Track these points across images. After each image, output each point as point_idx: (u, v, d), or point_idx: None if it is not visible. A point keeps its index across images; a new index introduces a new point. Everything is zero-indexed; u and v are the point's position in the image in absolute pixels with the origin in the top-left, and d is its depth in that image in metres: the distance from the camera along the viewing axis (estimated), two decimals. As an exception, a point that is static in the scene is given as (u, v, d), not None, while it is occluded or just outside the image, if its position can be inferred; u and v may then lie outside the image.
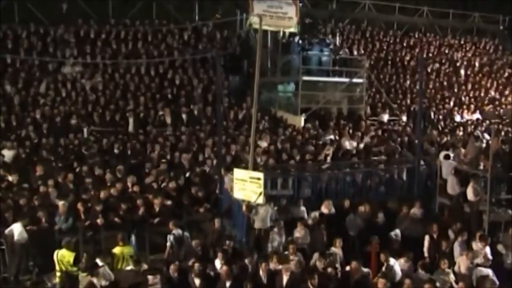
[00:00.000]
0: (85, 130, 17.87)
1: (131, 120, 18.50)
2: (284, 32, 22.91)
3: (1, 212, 11.92)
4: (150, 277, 9.78)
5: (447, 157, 14.89)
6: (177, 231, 11.65)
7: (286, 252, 11.01)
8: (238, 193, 11.23)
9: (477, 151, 14.98)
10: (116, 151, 15.88)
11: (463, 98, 25.41)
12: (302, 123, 20.38)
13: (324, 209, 13.06)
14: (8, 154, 15.31)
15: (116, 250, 10.96)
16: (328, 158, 15.49)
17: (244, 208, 11.55)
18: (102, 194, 12.81)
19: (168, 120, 19.02)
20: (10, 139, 16.23)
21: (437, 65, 26.74)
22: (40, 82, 19.62)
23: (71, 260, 10.65)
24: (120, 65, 20.90)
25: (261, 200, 10.88)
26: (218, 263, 10.55)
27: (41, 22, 22.23)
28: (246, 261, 10.59)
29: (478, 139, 16.32)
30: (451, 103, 24.66)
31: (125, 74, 20.72)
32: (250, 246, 11.60)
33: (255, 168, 13.41)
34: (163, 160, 14.78)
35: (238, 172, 11.25)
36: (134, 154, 16.06)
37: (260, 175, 10.78)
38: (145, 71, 21.10)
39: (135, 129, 18.36)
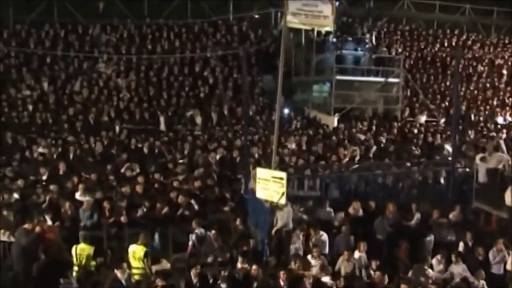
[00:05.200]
0: (117, 127, 18.02)
1: (162, 119, 18.55)
2: (319, 31, 22.55)
3: (28, 208, 12.05)
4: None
5: (483, 159, 14.14)
6: (200, 230, 11.51)
7: (309, 256, 10.68)
8: (261, 193, 10.95)
9: (493, 149, 14.23)
10: (145, 150, 15.85)
11: (506, 100, 24.30)
12: (335, 123, 19.97)
13: (351, 211, 12.64)
14: (43, 152, 15.58)
15: (130, 248, 10.84)
16: (356, 159, 15.05)
17: (267, 207, 11.25)
18: (126, 191, 12.80)
19: (198, 119, 18.97)
20: (48, 137, 16.50)
21: (479, 65, 25.70)
22: (75, 80, 19.93)
23: (91, 252, 10.63)
24: (154, 62, 21.01)
25: (283, 200, 10.56)
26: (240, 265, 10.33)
27: (79, 21, 22.61)
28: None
29: (493, 138, 15.58)
30: (494, 105, 23.67)
31: (158, 72, 20.81)
32: (272, 248, 11.30)
33: (283, 168, 13.19)
34: (181, 161, 14.65)
35: (261, 171, 10.97)
36: (162, 153, 16.05)
37: (283, 174, 10.45)
38: (178, 70, 21.14)
39: (166, 127, 18.40)
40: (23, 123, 17.34)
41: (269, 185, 10.60)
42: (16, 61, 20.01)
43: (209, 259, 10.70)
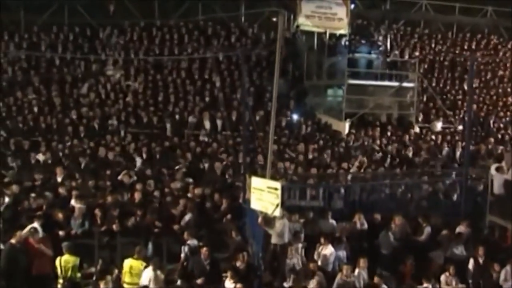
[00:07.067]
0: (122, 132, 17.64)
1: (168, 124, 18.09)
2: (331, 33, 21.95)
3: (19, 215, 11.68)
4: None
5: (500, 170, 13.24)
6: (192, 242, 10.95)
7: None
8: (255, 204, 10.31)
9: None
10: (144, 155, 15.41)
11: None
12: (347, 129, 19.24)
13: (355, 223, 11.95)
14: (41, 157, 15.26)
15: (126, 262, 10.30)
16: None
17: (260, 220, 10.63)
18: (121, 199, 12.36)
19: (207, 124, 18.46)
20: (52, 141, 16.19)
21: (500, 69, 24.68)
22: (83, 83, 19.65)
23: (77, 263, 10.21)
24: (163, 65, 20.64)
25: (278, 212, 9.91)
26: (228, 283, 9.74)
27: (89, 23, 22.41)
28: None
29: None
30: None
31: (166, 75, 20.41)
32: (266, 263, 10.68)
33: (285, 176, 12.61)
34: (178, 167, 14.18)
35: (255, 181, 10.33)
36: (165, 158, 15.58)
37: (278, 184, 9.78)
38: (186, 73, 20.70)
39: (172, 132, 17.95)
40: (27, 126, 17.06)
41: (264, 195, 9.95)
42: (25, 64, 19.82)
43: (199, 281, 10.10)
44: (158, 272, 10.11)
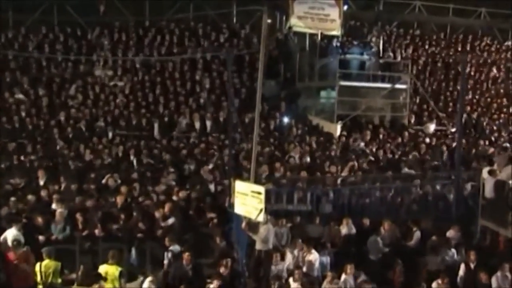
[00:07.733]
0: (110, 133, 17.34)
1: (156, 125, 17.80)
2: (323, 34, 21.70)
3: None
4: None
5: (492, 173, 12.96)
6: (175, 248, 10.65)
7: (291, 279, 9.75)
8: (239, 208, 9.99)
9: (506, 161, 12.96)
10: (131, 157, 15.12)
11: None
12: (339, 131, 18.97)
13: (343, 229, 11.68)
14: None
15: (101, 268, 9.96)
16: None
17: (244, 225, 10.34)
18: (105, 203, 12.06)
19: (197, 126, 18.18)
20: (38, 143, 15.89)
21: (494, 71, 24.48)
22: (71, 84, 19.33)
23: (58, 268, 9.89)
24: (152, 66, 20.36)
25: (261, 217, 9.60)
26: (212, 288, 9.46)
27: (79, 23, 22.12)
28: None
29: (506, 149, 14.36)
30: (510, 113, 22.42)
31: (155, 77, 20.11)
32: (250, 269, 10.38)
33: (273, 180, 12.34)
34: (171, 170, 13.89)
35: (239, 185, 10.01)
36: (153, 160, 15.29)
37: (261, 189, 9.42)
38: (178, 74, 20.41)
39: (160, 134, 17.65)
40: (14, 128, 16.74)
41: (247, 200, 9.62)
42: (14, 64, 19.48)
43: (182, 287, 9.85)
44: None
